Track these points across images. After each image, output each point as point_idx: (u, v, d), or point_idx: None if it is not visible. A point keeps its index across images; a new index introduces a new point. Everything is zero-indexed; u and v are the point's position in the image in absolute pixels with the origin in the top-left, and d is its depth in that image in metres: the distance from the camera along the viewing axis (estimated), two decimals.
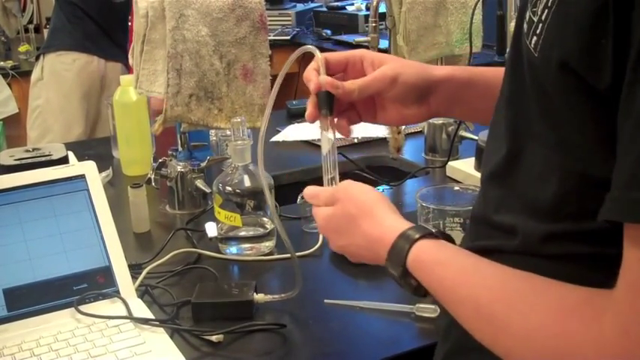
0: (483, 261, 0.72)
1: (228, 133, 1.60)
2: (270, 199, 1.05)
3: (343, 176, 0.92)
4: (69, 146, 1.47)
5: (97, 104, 2.68)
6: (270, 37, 1.47)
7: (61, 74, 2.65)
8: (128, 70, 2.63)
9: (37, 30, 3.90)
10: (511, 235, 0.73)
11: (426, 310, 1.04)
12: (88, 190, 1.11)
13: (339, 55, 0.95)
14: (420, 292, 0.77)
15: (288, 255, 1.24)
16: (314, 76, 0.94)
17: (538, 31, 0.65)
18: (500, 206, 0.75)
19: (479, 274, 0.71)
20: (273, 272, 1.19)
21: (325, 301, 1.07)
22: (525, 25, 0.68)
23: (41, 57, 2.69)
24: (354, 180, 0.89)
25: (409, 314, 1.05)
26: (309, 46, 0.98)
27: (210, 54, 1.37)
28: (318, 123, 0.95)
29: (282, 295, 1.06)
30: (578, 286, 0.63)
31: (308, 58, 0.99)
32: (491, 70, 0.97)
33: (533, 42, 0.66)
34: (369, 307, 1.06)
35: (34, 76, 2.71)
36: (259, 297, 1.07)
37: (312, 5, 4.30)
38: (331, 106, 0.93)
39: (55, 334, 1.00)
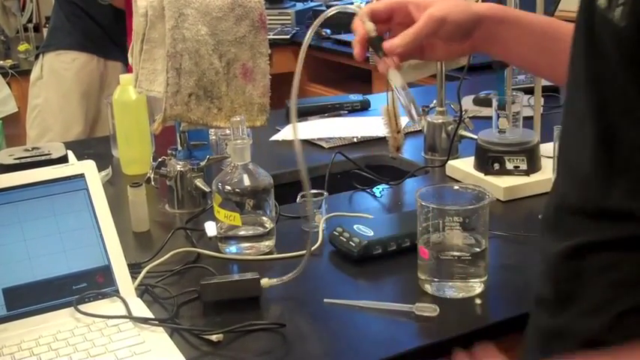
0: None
1: (227, 132, 1.60)
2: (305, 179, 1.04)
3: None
4: (68, 145, 1.47)
5: (96, 103, 2.68)
6: (269, 37, 1.46)
7: (60, 73, 2.65)
8: (127, 69, 2.63)
9: (37, 29, 3.90)
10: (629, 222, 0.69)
11: (426, 309, 1.04)
12: (87, 189, 1.11)
13: (384, 4, 0.99)
14: None
15: (288, 254, 1.24)
16: (360, 27, 1.00)
17: (622, 1, 0.64)
18: (609, 189, 0.71)
19: None
20: (273, 271, 1.19)
21: (325, 300, 1.07)
22: (603, 1, 0.67)
23: (40, 56, 2.69)
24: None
25: (409, 314, 1.05)
26: (345, 6, 1.04)
27: (210, 53, 1.37)
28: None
29: (289, 275, 1.09)
30: None
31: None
32: (524, 16, 1.01)
33: (618, 13, 0.64)
34: (369, 307, 1.06)
35: (33, 75, 2.71)
36: (264, 281, 1.08)
37: (312, 4, 4.30)
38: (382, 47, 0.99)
39: (55, 333, 1.00)
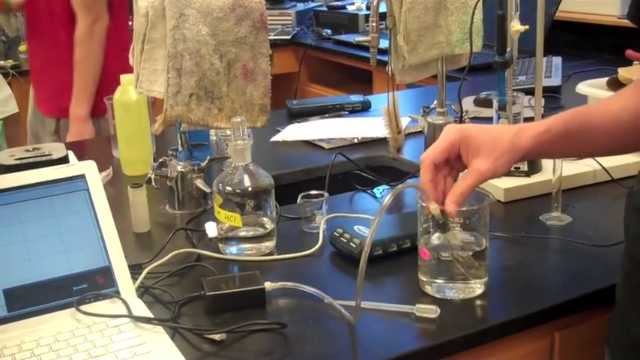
0: None
1: (228, 132, 1.60)
2: None
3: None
4: (69, 146, 1.47)
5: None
6: (270, 37, 1.46)
7: None
8: None
9: None
10: None
11: (426, 310, 1.04)
12: (88, 189, 1.11)
13: (440, 152, 1.03)
14: None
15: (288, 255, 1.24)
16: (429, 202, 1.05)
17: None
18: None
19: None
20: (274, 272, 1.19)
21: (325, 301, 1.07)
22: None
23: None
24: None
25: (409, 315, 1.05)
26: (412, 183, 1.14)
27: (211, 53, 1.37)
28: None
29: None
30: None
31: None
32: (594, 117, 1.04)
33: None
34: (369, 308, 1.06)
35: None
36: (268, 285, 1.09)
37: (313, 5, 4.30)
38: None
39: (55, 334, 1.00)
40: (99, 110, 2.33)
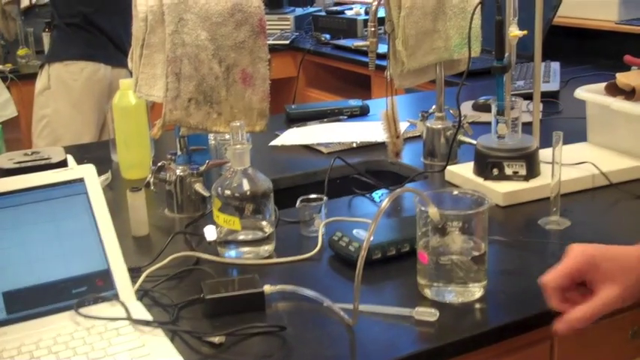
0: None
1: (227, 137, 1.60)
2: None
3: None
4: (68, 150, 1.48)
5: (104, 110, 2.68)
6: (269, 42, 1.47)
7: (69, 84, 2.65)
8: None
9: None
10: None
11: (425, 314, 1.04)
12: (87, 193, 1.11)
13: (564, 274, 0.95)
14: None
15: (287, 259, 1.24)
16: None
17: None
18: None
19: None
20: (272, 276, 1.19)
21: (325, 304, 1.07)
22: None
23: (46, 66, 2.69)
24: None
25: (409, 318, 1.05)
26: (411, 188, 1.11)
27: (210, 58, 1.37)
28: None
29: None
30: None
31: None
32: None
33: None
34: (369, 311, 1.06)
35: (39, 85, 2.70)
36: (267, 288, 1.09)
37: (311, 9, 4.31)
38: None
39: (55, 336, 1.00)
40: None
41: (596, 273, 0.94)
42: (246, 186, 1.23)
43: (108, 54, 2.71)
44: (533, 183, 1.46)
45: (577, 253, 0.95)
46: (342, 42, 3.63)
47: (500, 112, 1.48)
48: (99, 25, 2.70)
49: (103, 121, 2.70)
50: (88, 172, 1.13)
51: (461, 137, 1.65)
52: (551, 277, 0.94)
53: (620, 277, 0.93)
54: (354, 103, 2.21)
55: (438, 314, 1.04)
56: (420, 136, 1.77)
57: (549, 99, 2.18)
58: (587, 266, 0.94)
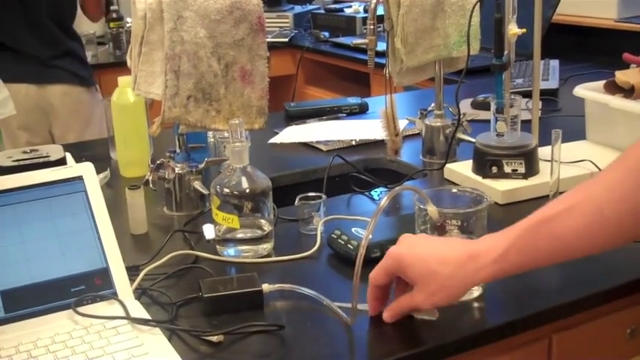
0: None
1: (226, 134, 1.60)
2: None
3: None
4: (66, 148, 1.47)
5: (49, 128, 2.61)
6: (268, 39, 1.46)
7: None
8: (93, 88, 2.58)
9: None
10: None
11: (425, 312, 1.04)
12: (85, 191, 1.11)
13: (380, 278, 1.03)
14: None
15: (286, 257, 1.24)
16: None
17: None
18: None
19: None
20: (271, 274, 1.19)
21: (324, 303, 1.07)
22: None
23: None
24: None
25: (407, 317, 1.04)
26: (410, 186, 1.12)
27: (209, 56, 1.37)
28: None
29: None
30: None
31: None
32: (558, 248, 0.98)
33: None
34: (367, 309, 1.06)
35: None
36: (265, 286, 1.09)
37: (310, 7, 4.31)
38: None
39: (53, 335, 1.00)
40: None
41: (404, 274, 1.00)
42: (245, 184, 1.23)
43: (34, 73, 2.58)
44: (532, 181, 1.46)
45: (389, 254, 1.01)
46: (341, 40, 3.63)
47: (500, 110, 1.48)
48: (20, 49, 2.56)
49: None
50: (86, 170, 1.13)
51: (460, 135, 1.65)
52: (371, 274, 1.03)
53: (419, 280, 0.98)
54: (353, 100, 2.21)
55: (437, 313, 1.04)
56: (419, 134, 1.77)
57: (548, 97, 2.18)
58: (397, 267, 1.00)
